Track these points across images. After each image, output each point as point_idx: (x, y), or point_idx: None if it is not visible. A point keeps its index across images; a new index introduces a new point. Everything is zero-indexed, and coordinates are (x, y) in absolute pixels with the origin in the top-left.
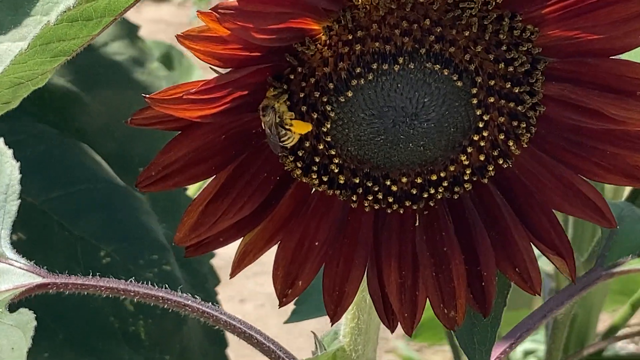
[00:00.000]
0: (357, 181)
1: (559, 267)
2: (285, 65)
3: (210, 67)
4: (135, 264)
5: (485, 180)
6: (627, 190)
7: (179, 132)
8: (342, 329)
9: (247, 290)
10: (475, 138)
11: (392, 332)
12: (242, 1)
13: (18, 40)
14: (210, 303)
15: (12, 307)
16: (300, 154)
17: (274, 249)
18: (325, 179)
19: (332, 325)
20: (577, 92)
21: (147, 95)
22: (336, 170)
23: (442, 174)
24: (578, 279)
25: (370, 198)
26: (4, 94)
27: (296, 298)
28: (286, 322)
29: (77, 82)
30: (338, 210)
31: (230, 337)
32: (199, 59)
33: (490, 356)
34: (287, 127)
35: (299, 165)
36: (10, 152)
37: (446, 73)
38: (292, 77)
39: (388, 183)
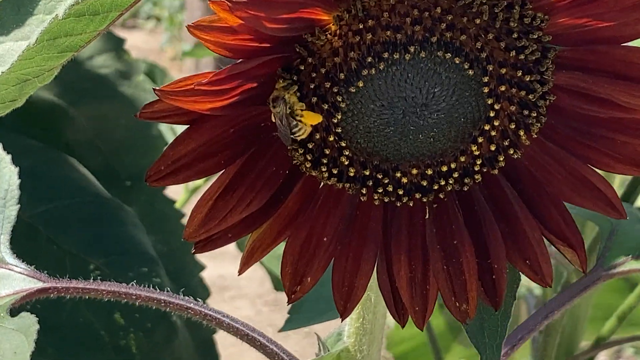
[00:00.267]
0: (367, 173)
1: (569, 258)
2: (295, 56)
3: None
4: (124, 276)
5: (496, 171)
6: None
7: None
8: (346, 330)
9: None
10: (486, 128)
11: (403, 327)
12: None
13: (20, 39)
14: None
15: (13, 312)
16: (310, 147)
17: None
18: (335, 171)
19: (342, 320)
20: (587, 80)
21: (157, 88)
22: (346, 163)
23: (452, 165)
24: (577, 281)
25: (380, 191)
26: (10, 91)
27: (303, 294)
28: (281, 330)
29: (63, 96)
30: (346, 205)
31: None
32: (210, 49)
33: (501, 351)
34: (297, 118)
35: (309, 158)
36: (8, 157)
37: (457, 61)
38: (302, 68)
39: (398, 175)
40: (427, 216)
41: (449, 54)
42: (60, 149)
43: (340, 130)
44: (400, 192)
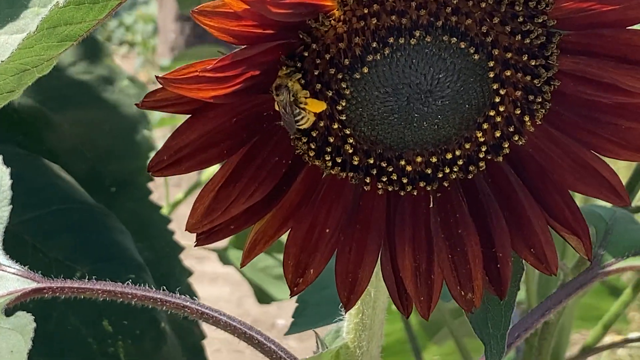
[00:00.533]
0: (371, 162)
1: (574, 246)
2: (299, 43)
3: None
4: None
5: (500, 159)
6: None
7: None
8: (345, 326)
9: None
10: (491, 114)
11: (407, 317)
12: None
13: (15, 32)
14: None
15: (8, 312)
16: (314, 135)
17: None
18: (339, 160)
19: (345, 311)
20: (591, 65)
21: (160, 76)
22: (350, 151)
23: (457, 153)
24: (574, 279)
25: (384, 180)
26: (8, 82)
27: (306, 287)
28: (287, 333)
29: (46, 103)
30: (349, 195)
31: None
32: (214, 35)
33: (505, 341)
34: (301, 105)
35: (312, 147)
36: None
37: (463, 46)
38: (305, 54)
39: (402, 163)
40: (431, 205)
41: (454, 38)
42: (43, 156)
43: (344, 118)
44: (405, 181)
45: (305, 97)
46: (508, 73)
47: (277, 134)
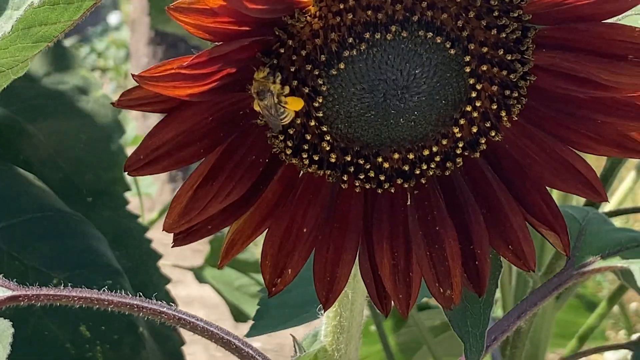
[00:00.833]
0: (349, 159)
1: (552, 242)
2: (275, 39)
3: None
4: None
5: (477, 155)
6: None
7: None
8: (323, 329)
9: None
10: (468, 109)
11: (386, 315)
12: None
13: None
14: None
15: None
16: (291, 133)
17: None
18: (316, 158)
19: (324, 311)
20: (567, 59)
21: (136, 74)
22: (327, 149)
23: (434, 149)
24: (549, 281)
25: (361, 177)
26: None
27: (284, 287)
28: (247, 335)
29: (21, 113)
30: (326, 194)
31: None
32: (189, 32)
33: (485, 339)
34: (284, 104)
35: (289, 145)
36: None
37: (439, 41)
38: (281, 51)
39: (380, 160)
40: (408, 203)
41: (430, 33)
42: (19, 167)
43: (321, 115)
44: (382, 178)
45: (286, 96)
46: (484, 68)
47: (254, 132)
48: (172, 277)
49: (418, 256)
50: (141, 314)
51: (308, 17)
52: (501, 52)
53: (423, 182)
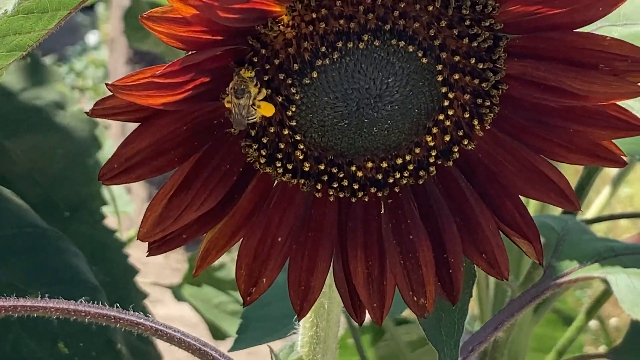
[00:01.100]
0: (322, 168)
1: (525, 250)
2: (248, 49)
3: None
4: None
5: (450, 164)
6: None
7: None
8: (299, 339)
9: None
10: (441, 118)
11: (360, 324)
12: None
13: None
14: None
15: None
16: (265, 141)
17: None
18: (289, 167)
19: (299, 320)
20: (539, 68)
21: (110, 83)
22: (301, 157)
23: (407, 157)
24: (527, 291)
25: (335, 186)
26: None
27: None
28: (230, 350)
29: None
30: (301, 203)
31: None
32: (162, 41)
33: (459, 348)
34: (256, 108)
35: (263, 154)
36: None
37: (411, 50)
38: (255, 60)
39: (353, 169)
40: (382, 211)
41: (402, 42)
42: None
43: (294, 124)
44: (356, 187)
45: (260, 100)
46: (456, 76)
47: (228, 141)
48: (151, 295)
49: (392, 265)
50: (118, 325)
51: (281, 27)
52: (473, 60)
53: (397, 191)
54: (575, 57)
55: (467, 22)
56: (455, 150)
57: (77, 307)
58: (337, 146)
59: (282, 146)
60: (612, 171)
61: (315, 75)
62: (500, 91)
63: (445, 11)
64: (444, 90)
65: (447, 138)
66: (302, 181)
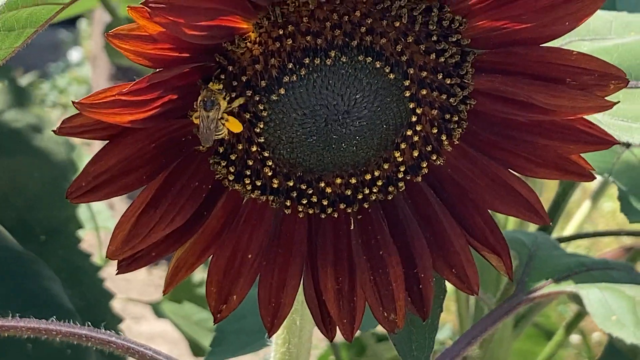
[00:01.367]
0: (291, 184)
1: (495, 265)
2: (215, 66)
3: None
4: None
5: (419, 179)
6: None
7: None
8: (272, 356)
9: None
10: (409, 133)
11: (331, 340)
12: None
13: None
14: None
15: None
16: (233, 158)
17: None
18: (258, 183)
19: (269, 336)
20: (507, 83)
21: (76, 101)
22: (269, 174)
23: (376, 173)
24: (499, 306)
25: (304, 202)
26: None
27: (230, 313)
28: None
29: None
30: (270, 220)
31: None
32: (129, 59)
33: None
34: (224, 122)
35: (232, 171)
36: None
37: (378, 65)
38: (222, 77)
39: (322, 185)
40: (352, 227)
41: (369, 57)
42: None
43: (262, 141)
44: (325, 203)
45: (228, 116)
46: (424, 92)
47: (197, 159)
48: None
49: (362, 281)
50: (90, 343)
51: (248, 43)
52: (440, 76)
53: (366, 206)
54: (543, 72)
55: (434, 38)
56: (424, 165)
57: (48, 326)
58: (306, 162)
59: (250, 163)
60: (593, 185)
61: (282, 91)
62: (469, 106)
63: (412, 27)
64: (411, 105)
65: (416, 154)
66: (271, 198)
